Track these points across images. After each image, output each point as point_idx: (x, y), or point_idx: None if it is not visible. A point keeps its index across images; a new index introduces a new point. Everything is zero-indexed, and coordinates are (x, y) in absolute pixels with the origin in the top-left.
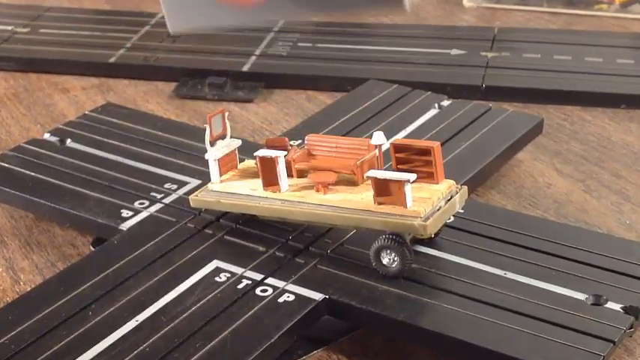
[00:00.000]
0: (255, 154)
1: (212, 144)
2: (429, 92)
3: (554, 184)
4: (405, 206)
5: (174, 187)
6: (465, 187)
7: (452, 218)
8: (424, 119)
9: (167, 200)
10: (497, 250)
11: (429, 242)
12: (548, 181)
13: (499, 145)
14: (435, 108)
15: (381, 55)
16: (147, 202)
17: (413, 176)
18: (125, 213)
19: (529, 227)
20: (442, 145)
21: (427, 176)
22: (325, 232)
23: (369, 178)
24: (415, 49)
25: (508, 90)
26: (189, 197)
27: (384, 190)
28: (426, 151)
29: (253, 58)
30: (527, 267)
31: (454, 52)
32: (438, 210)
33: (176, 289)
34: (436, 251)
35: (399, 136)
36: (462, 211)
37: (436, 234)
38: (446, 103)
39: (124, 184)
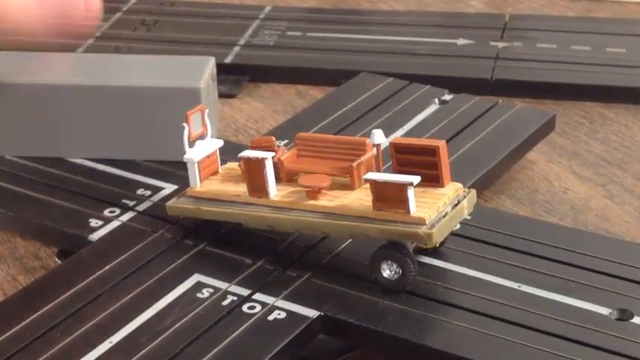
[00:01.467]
0: (239, 155)
1: (191, 144)
2: (428, 86)
3: (571, 189)
4: (408, 212)
5: (148, 193)
6: (474, 191)
7: (458, 225)
8: (423, 116)
9: (140, 208)
10: (509, 261)
11: (434, 252)
12: (564, 186)
13: (507, 144)
14: (435, 103)
15: (379, 45)
16: (118, 210)
17: (416, 179)
18: (94, 222)
19: (544, 235)
20: None
21: (431, 179)
22: (318, 242)
23: (366, 181)
24: (417, 39)
25: (520, 84)
26: (166, 204)
27: (384, 194)
28: (431, 151)
29: (237, 48)
30: (544, 279)
31: (460, 41)
32: (445, 216)
33: (153, 306)
34: (442, 262)
35: (396, 135)
36: (470, 217)
37: (441, 243)
38: (447, 97)
39: (92, 191)
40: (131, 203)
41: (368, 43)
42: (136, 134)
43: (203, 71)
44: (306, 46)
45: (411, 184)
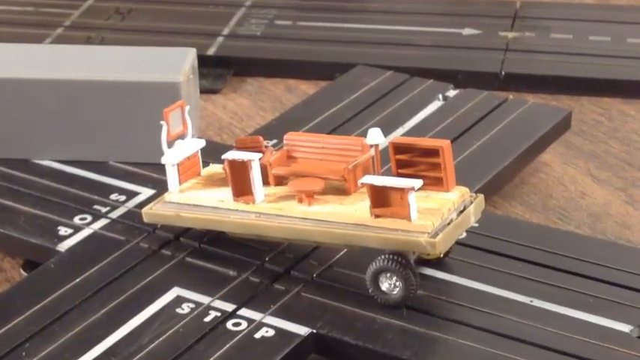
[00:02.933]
0: (222, 156)
1: (169, 145)
2: (431, 80)
3: (589, 194)
4: (409, 219)
5: (123, 198)
6: (481, 196)
7: (464, 234)
8: (425, 113)
9: (114, 214)
10: (521, 273)
11: (438, 264)
12: (581, 190)
13: (518, 145)
14: (438, 99)
15: (377, 35)
16: (89, 217)
17: (418, 182)
18: (63, 231)
19: (559, 244)
20: None
21: (435, 182)
22: (310, 253)
23: (363, 185)
24: (418, 28)
25: (532, 78)
26: (142, 210)
27: (382, 199)
28: (434, 152)
29: (220, 39)
30: (558, 293)
31: (466, 31)
32: (449, 224)
33: (128, 323)
34: (446, 274)
35: (396, 134)
36: (477, 225)
37: (446, 253)
38: (452, 93)
39: (60, 196)
40: (104, 209)
41: (365, 33)
42: (109, 133)
43: (183, 64)
44: (297, 36)
45: (413, 188)
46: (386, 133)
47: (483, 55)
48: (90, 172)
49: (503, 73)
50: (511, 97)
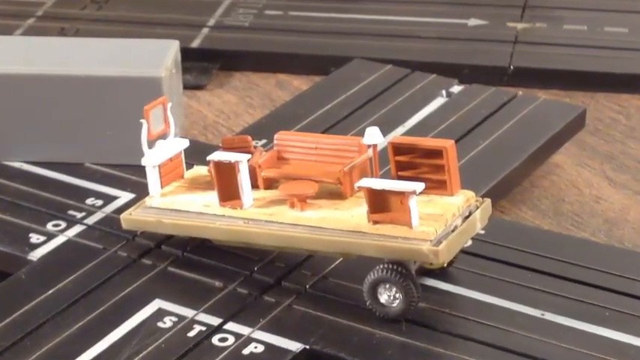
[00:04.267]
0: (208, 158)
1: (150, 145)
2: (434, 75)
3: (604, 198)
4: (410, 226)
5: (100, 202)
6: (488, 201)
7: (470, 242)
8: (428, 111)
9: (90, 220)
10: (531, 284)
11: (441, 274)
12: (596, 194)
13: (528, 145)
14: (442, 96)
15: (375, 26)
16: (63, 224)
17: (420, 186)
18: (35, 238)
19: (573, 253)
20: None
21: (438, 186)
22: (302, 262)
23: (360, 189)
24: (420, 19)
25: (544, 73)
26: (121, 216)
27: (381, 204)
28: (437, 153)
29: (205, 30)
30: (571, 305)
31: (472, 22)
32: (454, 231)
33: (106, 338)
34: (450, 285)
35: (396, 133)
36: (484, 232)
37: (450, 263)
38: (457, 89)
39: (32, 200)
40: (79, 215)
41: (362, 23)
42: (85, 133)
43: (165, 57)
44: (288, 27)
45: (414, 192)
46: (385, 133)
47: (490, 48)
48: (64, 175)
49: (511, 67)
50: (520, 93)
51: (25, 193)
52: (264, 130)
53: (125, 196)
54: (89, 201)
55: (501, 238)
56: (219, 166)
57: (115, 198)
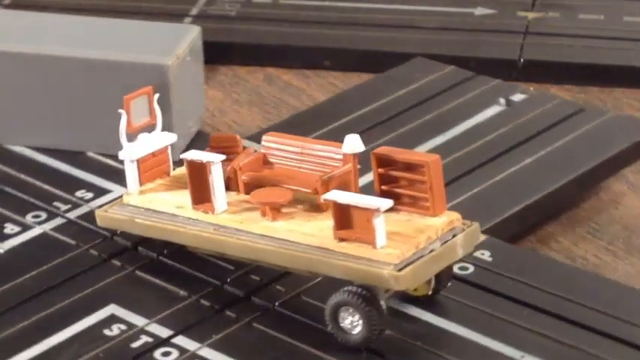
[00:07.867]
0: (181, 156)
1: (130, 138)
2: (497, 80)
3: (623, 204)
4: (374, 246)
5: (89, 195)
6: (476, 225)
7: (472, 268)
8: (478, 120)
9: (72, 214)
10: (521, 321)
11: (428, 302)
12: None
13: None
14: (499, 104)
15: (373, 15)
16: (44, 215)
17: (387, 203)
18: (9, 228)
19: (582, 290)
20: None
21: (420, 205)
22: (280, 277)
23: (326, 201)
24: (423, 8)
25: (556, 66)
26: (96, 212)
27: (347, 221)
28: (417, 167)
29: (188, 20)
30: (558, 350)
31: (479, 11)
32: (427, 254)
33: (45, 341)
34: (432, 316)
35: (434, 142)
36: (491, 260)
37: (436, 290)
38: (519, 97)
39: (19, 187)
40: (63, 207)
41: (358, 13)
42: (88, 120)
43: (178, 44)
44: (278, 17)
45: (378, 209)
46: (422, 140)
47: (499, 39)
48: (62, 163)
49: (522, 60)
50: (532, 89)
51: (15, 180)
52: (301, 125)
53: (118, 191)
54: (79, 193)
55: (505, 267)
56: (191, 165)
57: (107, 192)
